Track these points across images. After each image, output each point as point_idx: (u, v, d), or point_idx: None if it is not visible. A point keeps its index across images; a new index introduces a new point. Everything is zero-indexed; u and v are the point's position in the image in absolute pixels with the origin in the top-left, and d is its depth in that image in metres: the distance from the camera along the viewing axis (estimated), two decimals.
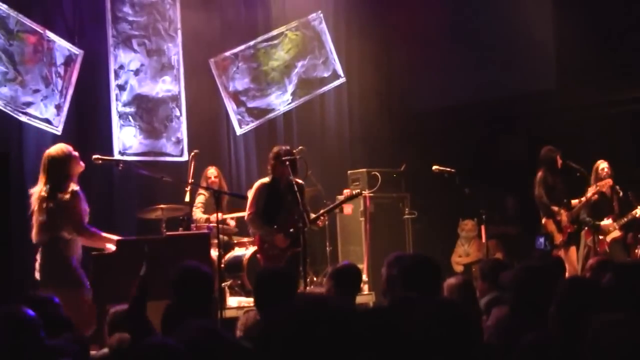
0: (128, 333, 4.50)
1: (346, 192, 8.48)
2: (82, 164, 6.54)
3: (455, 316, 3.38)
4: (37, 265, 6.39)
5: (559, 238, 9.40)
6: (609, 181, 9.28)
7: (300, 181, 7.89)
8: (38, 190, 6.37)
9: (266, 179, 7.91)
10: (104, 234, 6.56)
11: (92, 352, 4.67)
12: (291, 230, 7.70)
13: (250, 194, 7.98)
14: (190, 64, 10.56)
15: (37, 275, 6.39)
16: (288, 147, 7.98)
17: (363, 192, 8.63)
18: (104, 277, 6.29)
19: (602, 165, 9.40)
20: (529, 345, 3.51)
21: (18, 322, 3.72)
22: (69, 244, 6.35)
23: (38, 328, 3.73)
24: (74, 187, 6.36)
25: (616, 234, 9.30)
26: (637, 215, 9.21)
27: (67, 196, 6.27)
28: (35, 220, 6.38)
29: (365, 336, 3.32)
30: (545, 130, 10.39)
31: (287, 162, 7.69)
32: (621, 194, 9.32)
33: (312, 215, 8.00)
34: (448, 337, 3.29)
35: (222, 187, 9.38)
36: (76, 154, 6.52)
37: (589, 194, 9.30)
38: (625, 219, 9.29)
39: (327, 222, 9.92)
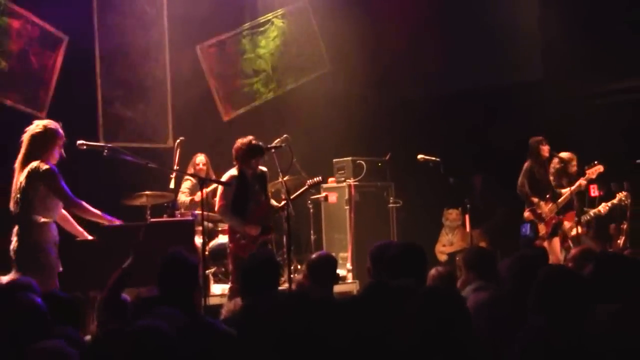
0: (99, 321, 4.58)
1: (308, 182, 8.52)
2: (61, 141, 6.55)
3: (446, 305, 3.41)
4: (11, 246, 6.37)
5: (542, 229, 9.46)
6: (600, 168, 9.26)
7: (264, 169, 8.04)
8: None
9: (234, 171, 7.95)
10: (96, 211, 6.58)
11: None
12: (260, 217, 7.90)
13: (220, 187, 8.02)
14: (176, 50, 10.60)
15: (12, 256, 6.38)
16: (253, 139, 7.97)
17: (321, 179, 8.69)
18: (88, 264, 6.29)
19: (574, 162, 9.42)
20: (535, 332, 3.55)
21: (26, 309, 3.91)
22: (44, 229, 6.33)
23: (44, 316, 3.94)
24: (47, 165, 6.37)
25: (578, 230, 9.25)
26: (600, 213, 9.28)
27: (41, 172, 6.29)
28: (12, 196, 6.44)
29: (342, 324, 3.46)
30: (532, 121, 10.44)
31: (257, 155, 7.83)
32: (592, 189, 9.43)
33: (273, 202, 8.19)
34: (440, 327, 3.33)
35: (209, 175, 9.36)
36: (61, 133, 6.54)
37: (573, 187, 9.28)
38: (589, 217, 9.34)
39: (312, 210, 10.08)
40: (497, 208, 10.69)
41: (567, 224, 9.33)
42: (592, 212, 9.34)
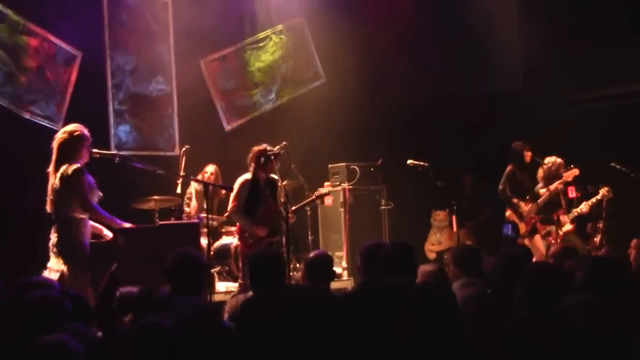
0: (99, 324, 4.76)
1: (316, 192, 9.06)
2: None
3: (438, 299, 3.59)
4: (50, 244, 6.74)
5: (523, 228, 9.75)
6: (576, 171, 9.56)
7: (275, 177, 8.42)
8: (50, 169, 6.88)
9: (248, 175, 8.38)
10: (108, 215, 6.90)
11: None
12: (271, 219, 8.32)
13: (234, 188, 8.41)
14: (181, 63, 10.81)
15: (51, 254, 6.72)
16: (267, 147, 8.39)
17: (330, 191, 9.18)
18: (100, 264, 6.44)
19: (561, 168, 9.75)
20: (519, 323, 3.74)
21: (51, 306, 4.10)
22: (81, 224, 6.74)
23: (59, 313, 4.12)
24: (76, 164, 6.75)
25: (568, 227, 9.61)
26: (583, 211, 9.61)
27: (70, 172, 6.69)
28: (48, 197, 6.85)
29: (342, 321, 3.54)
30: (513, 128, 10.63)
31: (270, 161, 8.26)
32: (573, 191, 9.77)
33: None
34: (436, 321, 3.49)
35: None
36: (86, 135, 6.94)
37: (552, 187, 9.62)
38: (575, 214, 9.64)
39: (309, 212, 10.32)
40: (484, 208, 10.93)
41: (563, 218, 9.62)
42: (575, 211, 9.62)
